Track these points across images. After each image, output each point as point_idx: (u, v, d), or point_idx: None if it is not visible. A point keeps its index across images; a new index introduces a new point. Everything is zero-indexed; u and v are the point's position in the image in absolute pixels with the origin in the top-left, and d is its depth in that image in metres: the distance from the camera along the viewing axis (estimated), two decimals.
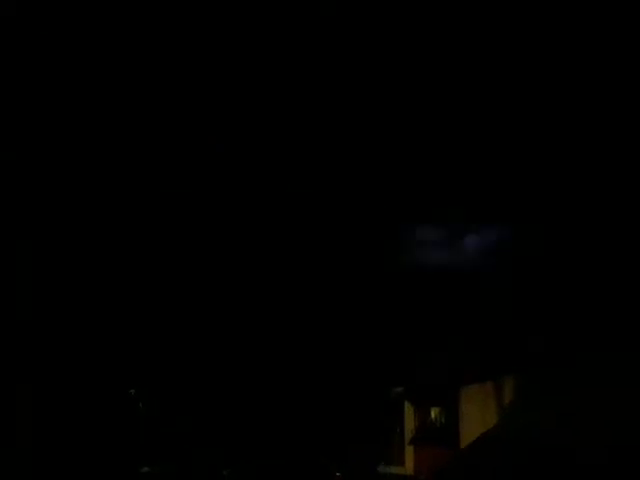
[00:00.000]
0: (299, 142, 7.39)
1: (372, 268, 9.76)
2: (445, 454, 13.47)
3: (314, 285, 10.48)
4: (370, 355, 13.61)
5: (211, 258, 10.35)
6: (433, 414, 14.60)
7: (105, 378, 13.30)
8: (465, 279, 9.35)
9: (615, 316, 8.69)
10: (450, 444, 13.81)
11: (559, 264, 8.57)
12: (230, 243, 9.63)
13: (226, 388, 13.70)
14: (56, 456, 12.97)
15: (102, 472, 13.71)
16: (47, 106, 6.92)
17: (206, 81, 6.60)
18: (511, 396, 11.87)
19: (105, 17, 5.80)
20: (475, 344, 11.41)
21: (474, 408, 13.28)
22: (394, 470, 15.33)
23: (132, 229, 9.37)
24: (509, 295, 9.46)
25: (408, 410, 15.20)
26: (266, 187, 8.41)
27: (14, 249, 9.43)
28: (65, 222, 8.81)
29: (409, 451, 14.87)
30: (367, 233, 8.87)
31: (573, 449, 9.03)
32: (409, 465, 14.80)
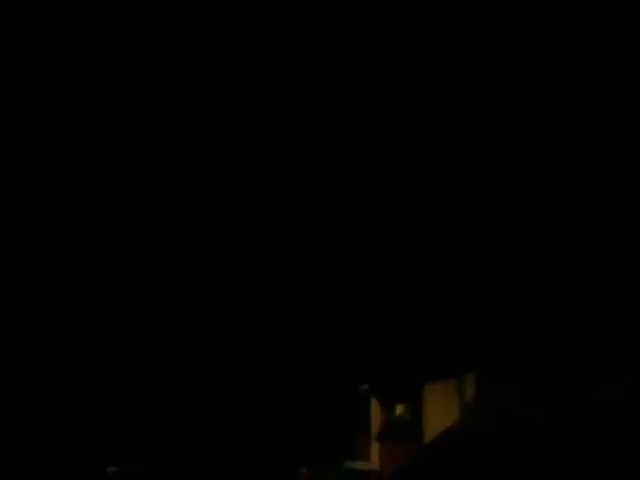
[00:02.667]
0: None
1: (335, 266, 9.82)
2: (410, 449, 13.72)
3: (274, 279, 10.48)
4: (336, 352, 13.73)
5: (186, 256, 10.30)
6: (398, 410, 14.82)
7: (67, 377, 13.16)
8: (422, 277, 9.47)
9: (576, 310, 8.94)
10: (415, 440, 14.06)
11: (520, 265, 8.77)
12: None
13: (190, 385, 13.66)
14: (16, 455, 12.81)
15: (67, 472, 13.57)
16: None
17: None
18: (474, 392, 12.15)
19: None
20: (438, 341, 11.61)
21: (438, 404, 13.54)
22: (360, 466, 15.51)
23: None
24: (471, 293, 9.64)
25: (374, 406, 15.39)
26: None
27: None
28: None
29: (375, 447, 15.05)
30: (328, 231, 8.91)
31: (533, 443, 9.29)
32: (375, 460, 14.97)
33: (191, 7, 5.52)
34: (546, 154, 6.92)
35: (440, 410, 13.35)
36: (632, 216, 7.33)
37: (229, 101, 6.72)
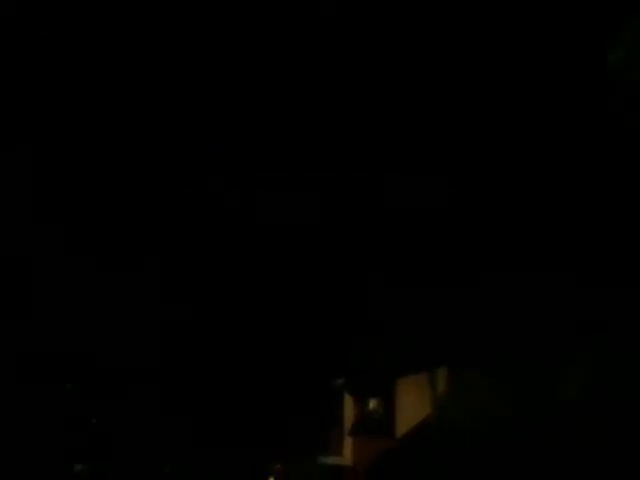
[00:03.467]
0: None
1: (307, 264, 9.72)
2: (383, 444, 13.73)
3: (246, 275, 10.35)
4: (310, 347, 13.64)
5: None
6: (371, 405, 14.81)
7: (35, 372, 12.89)
8: (394, 273, 9.42)
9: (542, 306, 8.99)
10: (388, 434, 14.08)
11: (494, 261, 8.78)
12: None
13: (160, 381, 13.45)
14: None
15: (33, 471, 13.30)
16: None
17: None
18: (446, 386, 12.18)
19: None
20: (410, 336, 11.60)
21: (410, 398, 13.56)
22: (333, 460, 15.49)
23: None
24: (440, 289, 9.63)
25: (347, 401, 15.37)
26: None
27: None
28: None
29: (348, 441, 15.03)
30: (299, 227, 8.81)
31: (506, 438, 9.34)
32: (347, 455, 14.96)
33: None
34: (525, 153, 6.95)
35: (412, 404, 13.37)
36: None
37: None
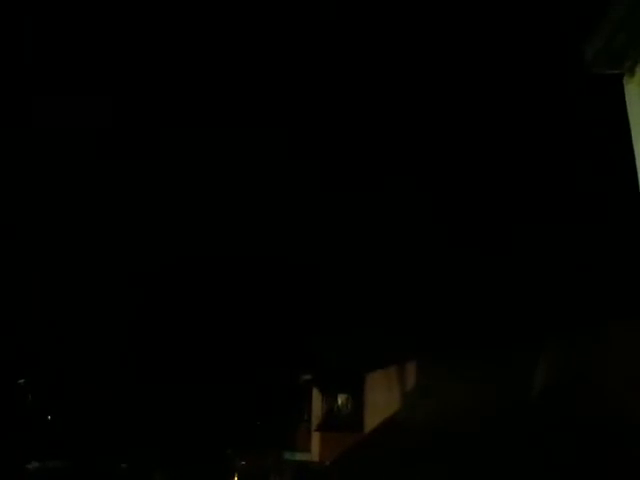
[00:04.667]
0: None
1: (274, 259, 9.48)
2: (351, 439, 13.54)
3: (212, 273, 10.11)
4: (277, 343, 13.37)
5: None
6: (340, 400, 14.61)
7: None
8: (360, 268, 9.22)
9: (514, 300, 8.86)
10: (356, 430, 13.90)
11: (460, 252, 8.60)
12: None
13: (121, 375, 13.04)
14: None
15: None
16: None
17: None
18: (415, 383, 12.01)
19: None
20: (378, 330, 11.39)
21: (379, 394, 13.39)
22: (300, 457, 15.26)
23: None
24: (409, 283, 9.45)
25: (316, 397, 15.15)
26: None
27: None
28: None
29: (315, 437, 14.84)
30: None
31: (474, 433, 9.19)
32: (315, 451, 14.77)
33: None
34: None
35: (382, 400, 13.20)
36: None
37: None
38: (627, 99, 3.76)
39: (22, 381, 12.74)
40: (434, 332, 10.58)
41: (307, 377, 15.30)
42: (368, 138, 6.95)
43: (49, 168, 7.77)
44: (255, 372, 14.29)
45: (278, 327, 12.74)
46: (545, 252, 7.56)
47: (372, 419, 13.55)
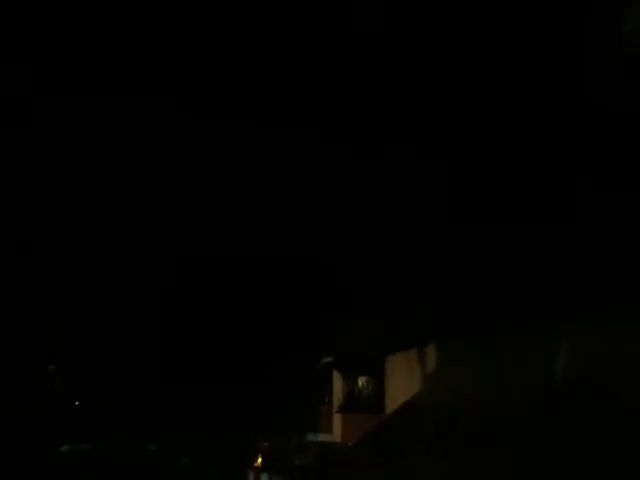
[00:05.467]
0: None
1: (294, 239, 9.52)
2: (372, 421, 13.71)
3: (234, 259, 10.19)
4: (297, 325, 13.50)
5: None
6: (360, 383, 14.76)
7: (21, 355, 12.70)
8: (382, 248, 9.22)
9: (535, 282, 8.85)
10: (377, 411, 14.06)
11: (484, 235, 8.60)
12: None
13: (146, 361, 13.30)
14: None
15: (20, 451, 13.21)
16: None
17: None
18: (436, 364, 12.09)
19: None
20: (399, 313, 11.45)
21: (399, 376, 13.50)
22: (322, 438, 15.50)
23: None
24: (430, 264, 9.44)
25: (336, 379, 15.33)
26: None
27: None
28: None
29: (337, 419, 15.04)
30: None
31: (491, 417, 9.26)
32: (337, 432, 14.98)
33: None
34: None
35: (402, 382, 13.30)
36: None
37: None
38: None
39: (52, 367, 13.08)
40: (456, 315, 10.61)
41: (327, 360, 15.48)
42: (372, 118, 6.88)
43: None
44: (276, 355, 14.46)
45: (298, 310, 12.84)
46: (568, 235, 7.53)
47: (393, 401, 13.68)
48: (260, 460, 15.12)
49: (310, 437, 15.61)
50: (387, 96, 6.36)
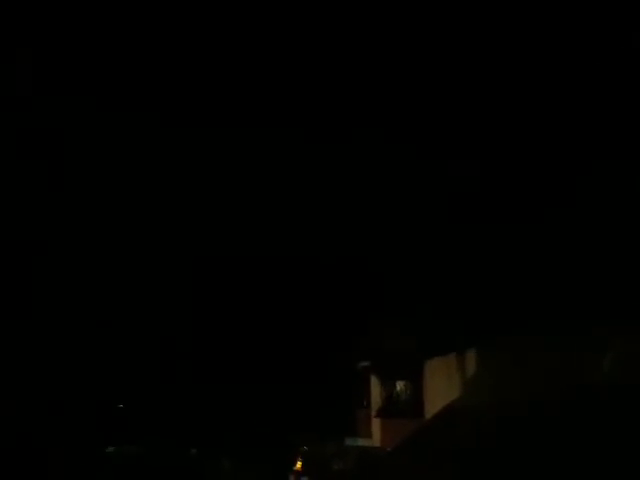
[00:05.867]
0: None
1: (334, 245, 9.64)
2: (411, 426, 13.66)
3: (274, 261, 10.35)
4: (335, 330, 13.58)
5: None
6: (399, 387, 14.73)
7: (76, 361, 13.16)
8: (423, 252, 9.24)
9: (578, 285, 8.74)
10: (416, 416, 14.01)
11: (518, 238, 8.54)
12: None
13: (190, 366, 13.58)
14: (21, 436, 12.87)
15: (67, 452, 13.64)
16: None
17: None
18: (475, 369, 11.99)
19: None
20: (438, 317, 11.43)
21: (438, 380, 13.43)
22: (361, 442, 15.50)
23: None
24: (471, 268, 9.42)
25: (374, 383, 15.32)
26: None
27: None
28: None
29: (376, 423, 15.03)
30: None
31: (534, 420, 9.15)
32: (376, 437, 14.97)
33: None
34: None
35: (441, 386, 13.24)
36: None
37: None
38: None
39: (97, 373, 13.49)
40: (494, 318, 10.53)
41: (365, 364, 15.49)
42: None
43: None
44: (316, 359, 14.56)
45: (337, 313, 12.91)
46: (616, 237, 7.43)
47: (432, 406, 13.61)
48: (299, 464, 15.22)
49: (349, 441, 15.63)
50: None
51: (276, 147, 7.27)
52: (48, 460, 12.86)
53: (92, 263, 10.20)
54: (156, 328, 12.16)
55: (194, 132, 7.07)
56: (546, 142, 6.87)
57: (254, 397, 14.27)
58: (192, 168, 7.91)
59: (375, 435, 15.19)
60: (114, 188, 8.27)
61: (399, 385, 14.69)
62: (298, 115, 6.73)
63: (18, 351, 12.34)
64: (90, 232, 9.51)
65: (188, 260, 10.52)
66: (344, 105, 6.58)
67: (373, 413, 15.31)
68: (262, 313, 12.48)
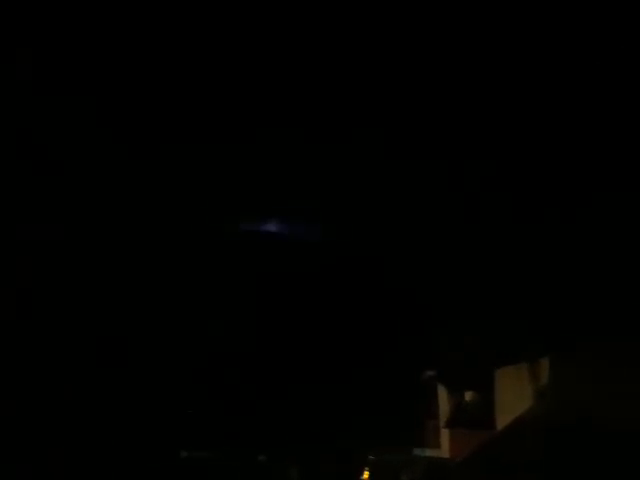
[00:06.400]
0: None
1: (400, 251, 9.53)
2: (481, 436, 13.31)
3: (337, 269, 10.34)
4: (400, 338, 13.43)
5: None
6: (467, 397, 14.41)
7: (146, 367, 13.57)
8: (492, 256, 8.99)
9: None
10: (486, 427, 13.63)
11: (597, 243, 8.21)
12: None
13: (256, 374, 13.75)
14: (98, 440, 13.36)
15: (141, 457, 14.05)
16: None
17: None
18: (549, 378, 11.59)
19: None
20: (509, 324, 11.10)
21: (510, 390, 13.04)
22: (430, 453, 15.23)
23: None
24: (546, 272, 9.08)
25: (442, 393, 15.05)
26: None
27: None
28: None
29: (444, 434, 14.74)
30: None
31: (612, 432, 8.75)
32: (445, 448, 14.68)
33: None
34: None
35: (513, 397, 12.84)
36: None
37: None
38: None
39: (168, 380, 13.86)
40: (570, 326, 10.13)
41: (431, 373, 15.22)
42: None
43: None
44: (380, 368, 14.43)
45: (403, 322, 12.75)
46: None
47: (503, 417, 13.22)
48: (367, 474, 15.09)
49: (417, 452, 15.39)
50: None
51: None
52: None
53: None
54: (225, 337, 12.40)
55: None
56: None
57: (323, 405, 14.27)
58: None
59: (444, 446, 14.88)
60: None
61: (468, 395, 14.36)
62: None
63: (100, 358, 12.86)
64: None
65: (254, 269, 10.65)
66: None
67: (442, 423, 15.02)
68: (330, 322, 12.47)
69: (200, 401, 14.19)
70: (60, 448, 12.71)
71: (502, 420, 13.22)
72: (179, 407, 14.42)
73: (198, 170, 7.76)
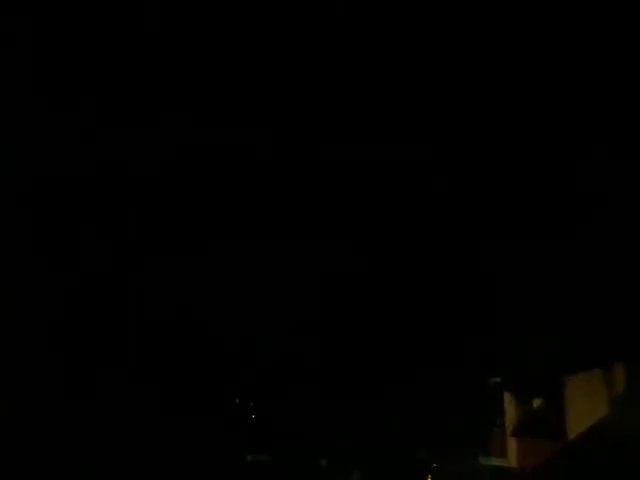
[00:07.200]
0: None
1: (468, 254, 9.34)
2: (550, 446, 12.82)
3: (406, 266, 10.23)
4: (466, 344, 13.13)
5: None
6: (535, 404, 13.90)
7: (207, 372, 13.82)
8: (569, 254, 8.68)
9: None
10: (555, 436, 13.12)
11: None
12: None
13: (319, 378, 13.76)
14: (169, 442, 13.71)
15: (209, 459, 14.33)
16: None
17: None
18: (624, 385, 11.04)
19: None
20: (580, 329, 10.64)
21: (581, 398, 12.49)
22: (496, 462, 14.79)
23: None
24: (620, 272, 8.69)
25: (508, 400, 14.60)
26: None
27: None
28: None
29: (511, 443, 14.29)
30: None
31: None
32: (512, 457, 14.23)
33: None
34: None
35: (585, 406, 12.29)
36: None
37: None
38: None
39: (229, 386, 14.11)
40: None
41: (497, 380, 14.80)
42: None
43: None
44: (445, 373, 14.16)
45: (467, 326, 12.47)
46: None
47: (575, 426, 12.66)
48: None
49: (483, 460, 14.98)
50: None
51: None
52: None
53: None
54: (290, 339, 12.47)
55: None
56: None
57: (386, 410, 14.14)
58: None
59: (510, 455, 14.43)
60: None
61: (536, 403, 13.86)
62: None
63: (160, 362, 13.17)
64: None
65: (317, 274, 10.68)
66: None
67: (508, 432, 14.56)
68: (397, 329, 12.36)
69: (264, 405, 14.35)
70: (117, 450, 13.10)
71: (573, 429, 12.68)
72: (244, 411, 14.65)
73: None
